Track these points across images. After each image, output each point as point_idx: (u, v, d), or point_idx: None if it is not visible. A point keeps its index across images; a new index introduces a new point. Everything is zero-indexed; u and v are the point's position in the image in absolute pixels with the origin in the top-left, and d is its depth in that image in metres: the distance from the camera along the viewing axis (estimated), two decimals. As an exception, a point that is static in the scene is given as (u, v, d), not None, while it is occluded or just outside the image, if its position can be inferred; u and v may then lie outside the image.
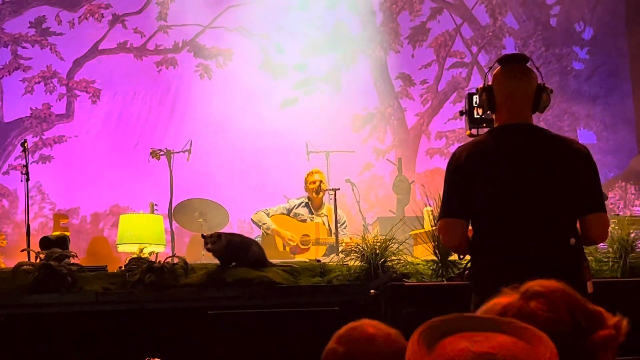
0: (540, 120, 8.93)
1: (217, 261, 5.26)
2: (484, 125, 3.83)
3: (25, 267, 5.24)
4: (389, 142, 10.33)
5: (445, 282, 4.95)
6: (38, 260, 5.26)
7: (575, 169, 3.27)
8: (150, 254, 5.84)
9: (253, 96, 10.00)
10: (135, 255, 5.47)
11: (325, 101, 10.11)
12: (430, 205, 5.74)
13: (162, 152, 7.53)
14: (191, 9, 10.10)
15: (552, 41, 10.56)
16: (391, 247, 5.16)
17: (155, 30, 10.14)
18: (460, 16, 10.60)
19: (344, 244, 6.48)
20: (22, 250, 5.92)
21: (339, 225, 6.94)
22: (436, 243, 5.14)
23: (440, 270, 5.11)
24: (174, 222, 7.69)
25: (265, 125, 9.83)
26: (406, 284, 4.82)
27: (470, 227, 3.38)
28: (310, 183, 7.55)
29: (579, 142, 3.50)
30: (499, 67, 3.45)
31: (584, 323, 1.42)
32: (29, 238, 6.44)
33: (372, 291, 4.86)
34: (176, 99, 10.14)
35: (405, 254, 5.26)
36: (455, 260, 5.05)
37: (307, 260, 5.73)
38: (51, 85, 9.94)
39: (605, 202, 3.54)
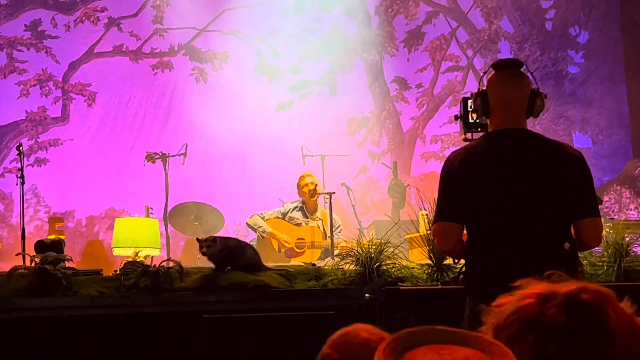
0: (535, 124, 8.94)
1: (212, 265, 5.26)
2: (479, 129, 3.84)
3: (20, 270, 5.24)
4: (385, 146, 10.34)
5: (440, 286, 4.95)
6: (33, 264, 5.26)
7: (568, 173, 3.28)
8: (145, 257, 5.85)
9: (248, 99, 10.01)
10: (130, 259, 5.47)
11: (321, 104, 10.12)
12: (425, 209, 5.73)
13: (157, 156, 7.53)
14: (187, 12, 10.11)
15: (547, 45, 10.58)
16: (386, 251, 5.17)
17: (150, 33, 10.15)
18: (455, 20, 10.62)
19: (339, 248, 6.48)
20: (17, 254, 5.92)
21: (334, 228, 6.94)
22: (431, 247, 5.14)
23: (435, 274, 5.11)
24: (169, 225, 7.69)
25: (260, 128, 9.84)
26: (401, 287, 4.81)
27: (464, 231, 3.39)
28: (302, 187, 7.55)
29: (574, 146, 3.51)
30: (493, 72, 3.46)
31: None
32: (24, 241, 6.43)
33: (367, 295, 4.86)
34: (172, 102, 10.14)
35: (401, 258, 5.26)
36: (450, 264, 5.05)
37: (303, 264, 5.73)
38: (47, 88, 9.94)
39: (600, 206, 3.56)
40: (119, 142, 9.93)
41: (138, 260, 5.45)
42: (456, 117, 3.99)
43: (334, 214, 7.04)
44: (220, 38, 10.20)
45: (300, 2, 10.36)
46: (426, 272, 5.15)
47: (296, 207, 7.64)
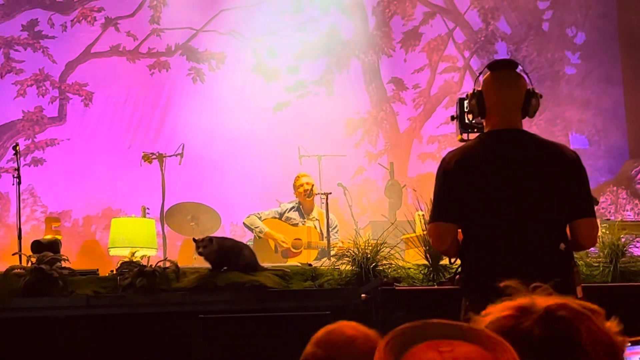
0: (532, 124, 8.94)
1: (208, 265, 5.26)
2: (475, 130, 3.85)
3: (16, 270, 5.24)
4: (381, 146, 10.34)
5: (436, 287, 4.96)
6: (29, 264, 5.26)
7: (564, 174, 3.29)
8: (142, 257, 5.85)
9: (245, 100, 10.00)
10: (126, 259, 5.47)
11: (318, 105, 10.11)
12: (422, 210, 5.74)
13: (154, 156, 7.53)
14: (184, 12, 10.09)
15: (544, 46, 10.59)
16: (382, 251, 5.18)
17: (148, 33, 10.13)
18: (452, 21, 10.62)
19: (335, 248, 6.49)
20: (13, 254, 5.92)
21: (330, 229, 6.95)
22: (427, 247, 5.15)
23: (431, 275, 5.12)
24: (165, 225, 7.69)
25: (257, 128, 9.83)
26: (397, 288, 4.82)
27: (460, 231, 3.40)
28: (298, 187, 7.56)
29: (570, 147, 3.52)
30: (489, 72, 3.46)
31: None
32: (20, 241, 6.43)
33: (363, 295, 4.87)
34: (168, 102, 10.13)
35: (397, 258, 5.27)
36: (446, 265, 5.06)
37: (299, 264, 5.74)
38: (43, 88, 9.92)
39: (597, 206, 3.56)
40: (115, 142, 9.91)
41: (134, 260, 5.45)
42: (452, 118, 3.99)
43: (330, 215, 7.04)
44: (217, 38, 10.19)
45: (297, 3, 10.35)
46: (422, 272, 5.16)
47: (293, 207, 7.64)
